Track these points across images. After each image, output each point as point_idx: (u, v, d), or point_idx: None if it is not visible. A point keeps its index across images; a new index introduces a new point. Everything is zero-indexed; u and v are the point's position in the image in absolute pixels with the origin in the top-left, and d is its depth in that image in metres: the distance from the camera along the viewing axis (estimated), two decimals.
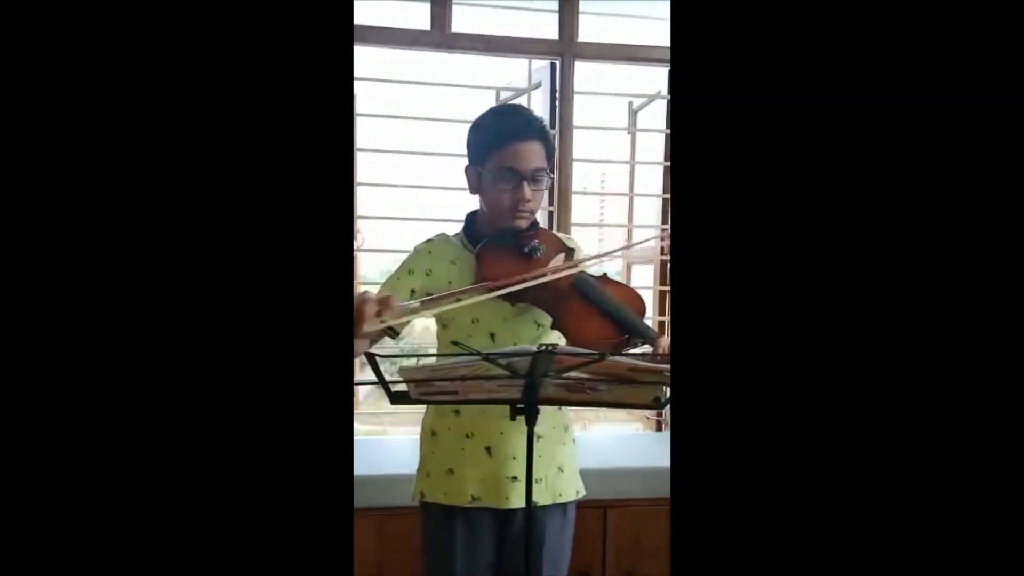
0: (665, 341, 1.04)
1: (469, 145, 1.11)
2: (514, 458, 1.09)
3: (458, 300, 0.96)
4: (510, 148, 1.05)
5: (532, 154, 1.06)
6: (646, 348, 1.05)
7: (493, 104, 2.10)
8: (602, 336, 1.01)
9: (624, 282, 2.48)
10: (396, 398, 0.92)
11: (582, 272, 1.08)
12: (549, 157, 1.09)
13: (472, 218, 1.16)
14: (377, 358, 0.85)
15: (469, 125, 1.12)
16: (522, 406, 0.90)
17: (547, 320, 1.07)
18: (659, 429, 2.23)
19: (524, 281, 0.97)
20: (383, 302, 0.85)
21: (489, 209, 1.10)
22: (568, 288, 1.05)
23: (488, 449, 1.09)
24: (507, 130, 1.06)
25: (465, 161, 1.13)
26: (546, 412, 1.12)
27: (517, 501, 1.09)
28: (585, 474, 1.36)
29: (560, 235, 1.16)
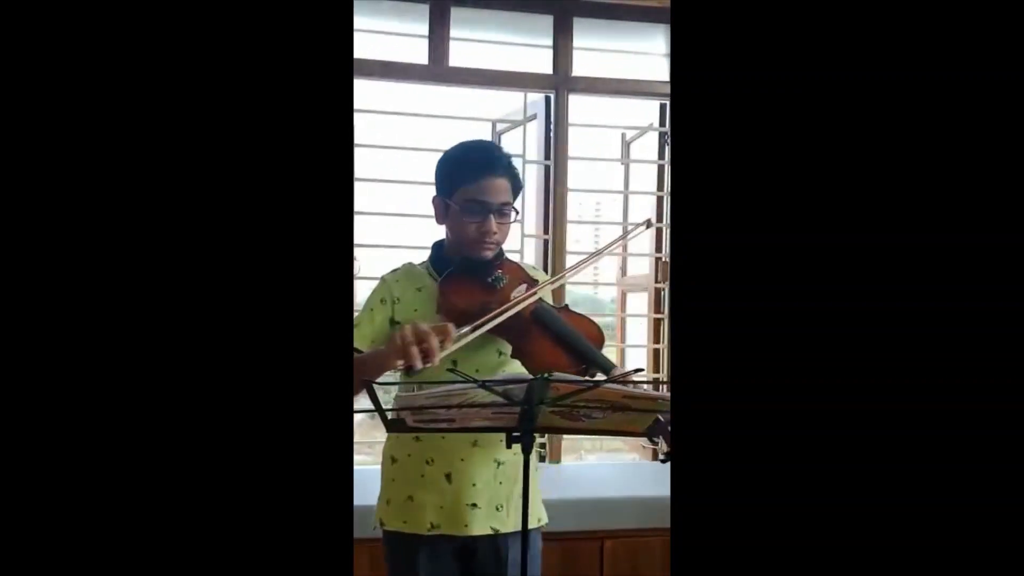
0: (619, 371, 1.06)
1: (438, 176, 1.15)
2: (474, 485, 1.09)
3: (492, 321, 0.98)
4: (478, 182, 1.09)
5: (499, 189, 1.10)
6: (601, 377, 1.06)
7: (490, 135, 2.15)
8: (560, 365, 1.03)
9: (619, 310, 2.49)
10: (392, 426, 0.92)
11: (543, 303, 1.11)
12: (515, 193, 1.13)
13: (439, 247, 1.18)
14: (375, 386, 0.86)
15: (438, 158, 1.15)
16: (518, 434, 0.90)
17: (508, 348, 1.09)
18: (655, 458, 2.21)
19: (506, 312, 1.00)
20: (442, 331, 0.90)
21: (456, 239, 1.13)
22: (529, 318, 1.08)
23: (448, 476, 1.09)
24: (476, 165, 1.10)
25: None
26: None
27: (477, 528, 1.09)
28: (581, 504, 1.36)
29: (525, 266, 1.19)
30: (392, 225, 2.06)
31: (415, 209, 2.09)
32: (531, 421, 0.89)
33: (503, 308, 1.02)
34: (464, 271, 1.11)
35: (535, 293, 1.08)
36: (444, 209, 1.13)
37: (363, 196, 2.03)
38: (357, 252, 2.02)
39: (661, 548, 1.68)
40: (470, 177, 1.09)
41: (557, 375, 0.88)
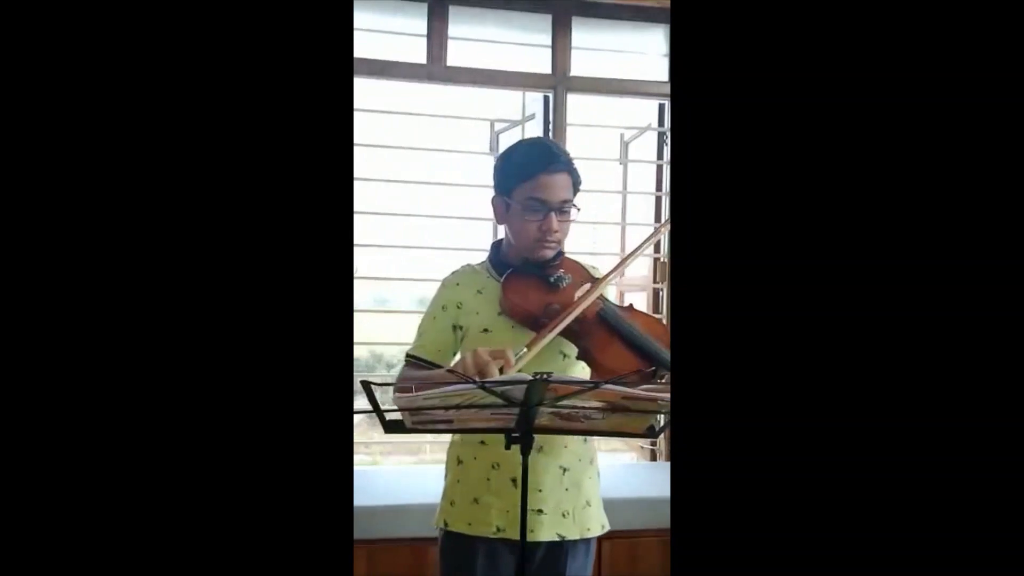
0: None
1: (497, 176, 1.13)
2: (540, 491, 1.08)
3: (554, 329, 0.97)
4: (539, 179, 1.07)
5: (560, 186, 1.09)
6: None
7: (488, 135, 2.15)
8: (629, 366, 1.01)
9: None
10: (390, 427, 0.92)
11: (607, 302, 1.09)
12: (575, 189, 1.12)
13: (497, 247, 1.17)
14: (372, 386, 0.85)
15: (497, 156, 1.14)
16: (517, 435, 0.90)
17: (572, 350, 1.08)
18: (653, 459, 2.22)
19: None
20: (500, 357, 0.92)
21: (516, 238, 1.11)
22: (594, 318, 1.06)
23: (514, 480, 1.08)
24: (536, 162, 1.08)
25: (487, 192, 1.16)
26: (573, 444, 1.11)
27: (543, 534, 1.08)
28: None
29: (585, 264, 1.16)
30: (390, 225, 2.06)
31: (413, 209, 2.09)
32: (529, 422, 0.89)
33: (567, 312, 1.00)
34: (526, 271, 1.09)
35: (595, 292, 1.05)
36: (504, 208, 1.11)
37: (362, 196, 2.03)
38: (356, 252, 2.01)
39: (661, 548, 1.68)
40: (530, 174, 1.07)
41: (555, 375, 0.88)
